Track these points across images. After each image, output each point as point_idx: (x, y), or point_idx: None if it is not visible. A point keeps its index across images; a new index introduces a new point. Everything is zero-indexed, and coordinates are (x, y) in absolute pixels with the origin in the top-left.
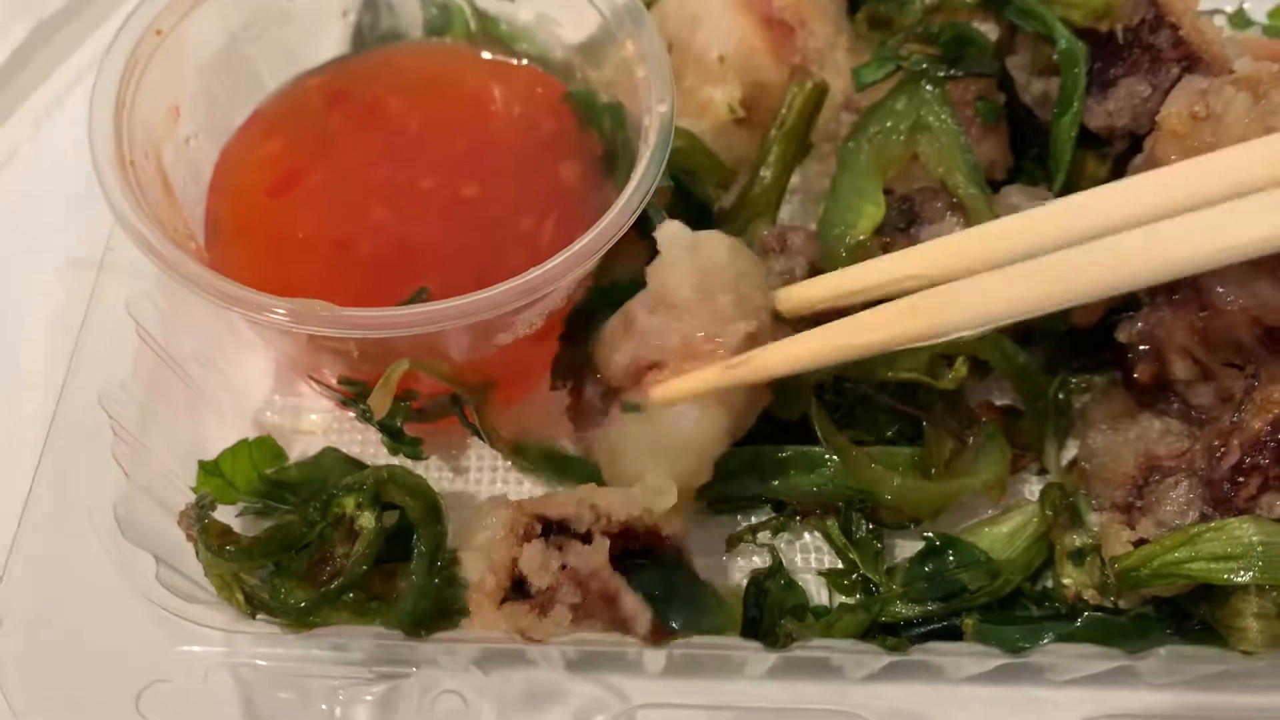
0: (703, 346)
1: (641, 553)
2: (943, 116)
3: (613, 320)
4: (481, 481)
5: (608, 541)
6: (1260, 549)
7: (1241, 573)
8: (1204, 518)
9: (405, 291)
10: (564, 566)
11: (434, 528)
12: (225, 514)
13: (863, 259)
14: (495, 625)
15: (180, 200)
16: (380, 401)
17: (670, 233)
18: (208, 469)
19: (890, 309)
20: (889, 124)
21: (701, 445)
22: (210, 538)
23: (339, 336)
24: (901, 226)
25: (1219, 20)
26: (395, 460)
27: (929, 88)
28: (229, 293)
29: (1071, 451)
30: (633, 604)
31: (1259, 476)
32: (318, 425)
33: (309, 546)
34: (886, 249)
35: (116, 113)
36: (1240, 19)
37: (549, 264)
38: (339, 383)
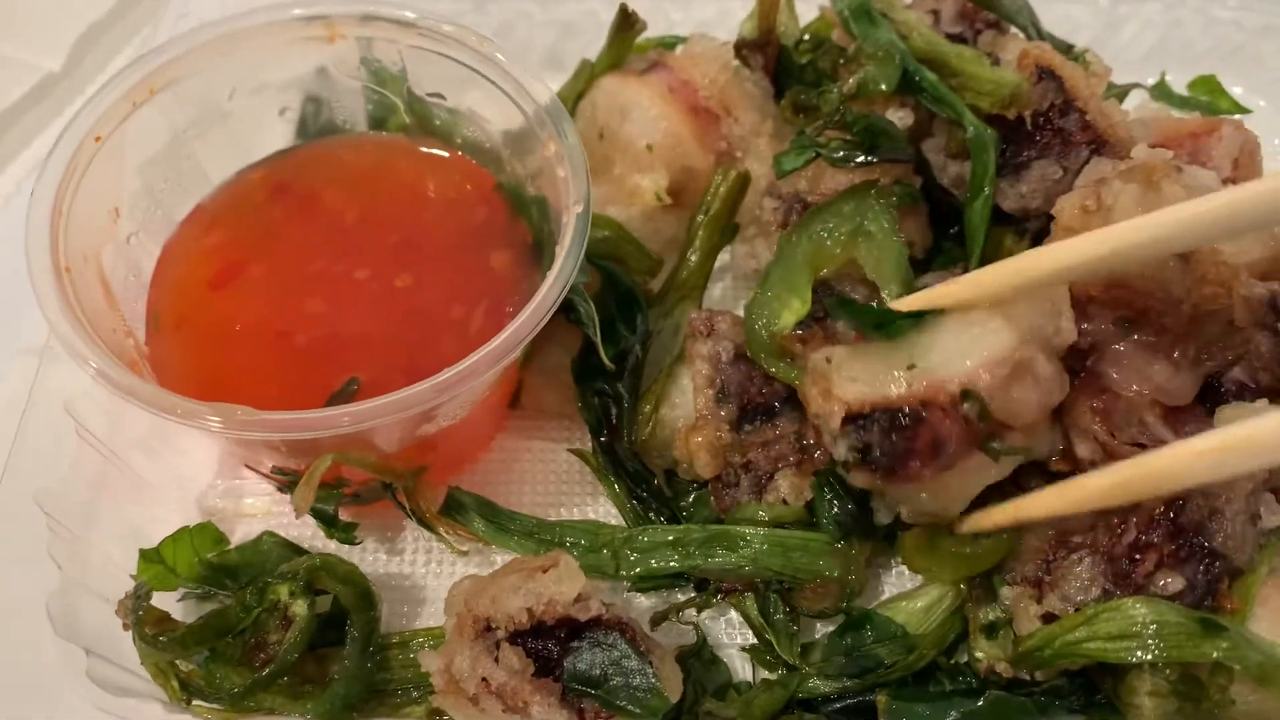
0: None
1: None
2: (885, 225)
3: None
4: (417, 561)
5: (515, 656)
6: (1153, 628)
7: (1136, 652)
8: (1105, 593)
9: (339, 381)
10: (484, 679)
11: (367, 614)
12: (168, 599)
13: (783, 351)
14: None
15: (120, 297)
16: (303, 499)
17: None
18: (148, 557)
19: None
20: (832, 225)
21: None
22: (145, 627)
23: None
24: (820, 316)
25: (1139, 94)
26: (333, 542)
27: (877, 197)
28: (151, 398)
29: None
30: (541, 712)
31: (1154, 554)
32: (259, 508)
33: (244, 633)
34: (804, 343)
35: (53, 222)
36: (1161, 89)
37: (464, 364)
38: (273, 471)
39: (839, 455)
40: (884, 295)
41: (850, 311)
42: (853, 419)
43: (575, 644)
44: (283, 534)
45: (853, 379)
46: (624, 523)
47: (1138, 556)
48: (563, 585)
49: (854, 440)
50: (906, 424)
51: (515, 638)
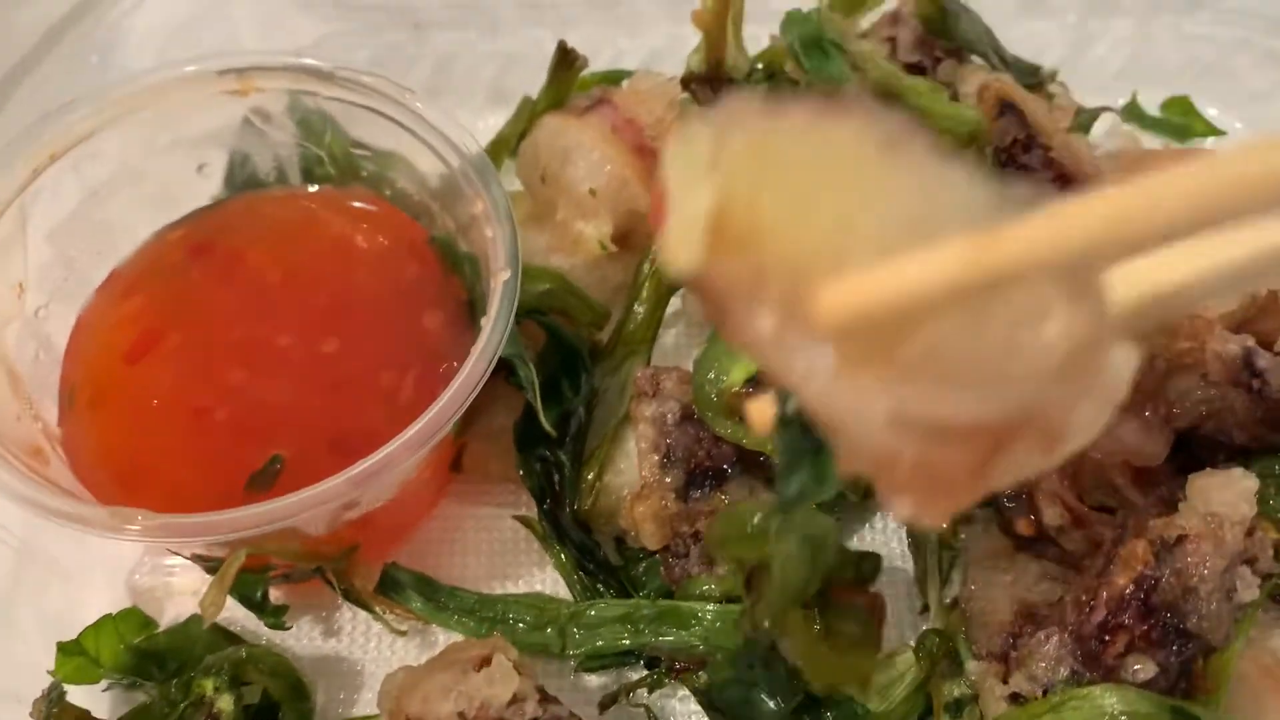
0: None
1: None
2: None
3: None
4: (355, 642)
5: None
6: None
7: None
8: (1074, 674)
9: (263, 457)
10: None
11: (299, 705)
12: (92, 690)
13: (731, 410)
14: None
15: (29, 376)
16: (212, 603)
17: None
18: (67, 650)
19: None
20: None
21: None
22: None
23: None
24: None
25: (1108, 118)
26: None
27: None
28: (41, 503)
29: (955, 587)
30: None
31: (1125, 635)
32: (190, 586)
33: None
34: (751, 399)
35: None
36: (1134, 111)
37: (380, 454)
38: (193, 558)
39: None
40: None
41: None
42: None
43: None
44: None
45: None
46: (571, 594)
47: (1107, 638)
48: (495, 687)
49: None
50: None
51: None
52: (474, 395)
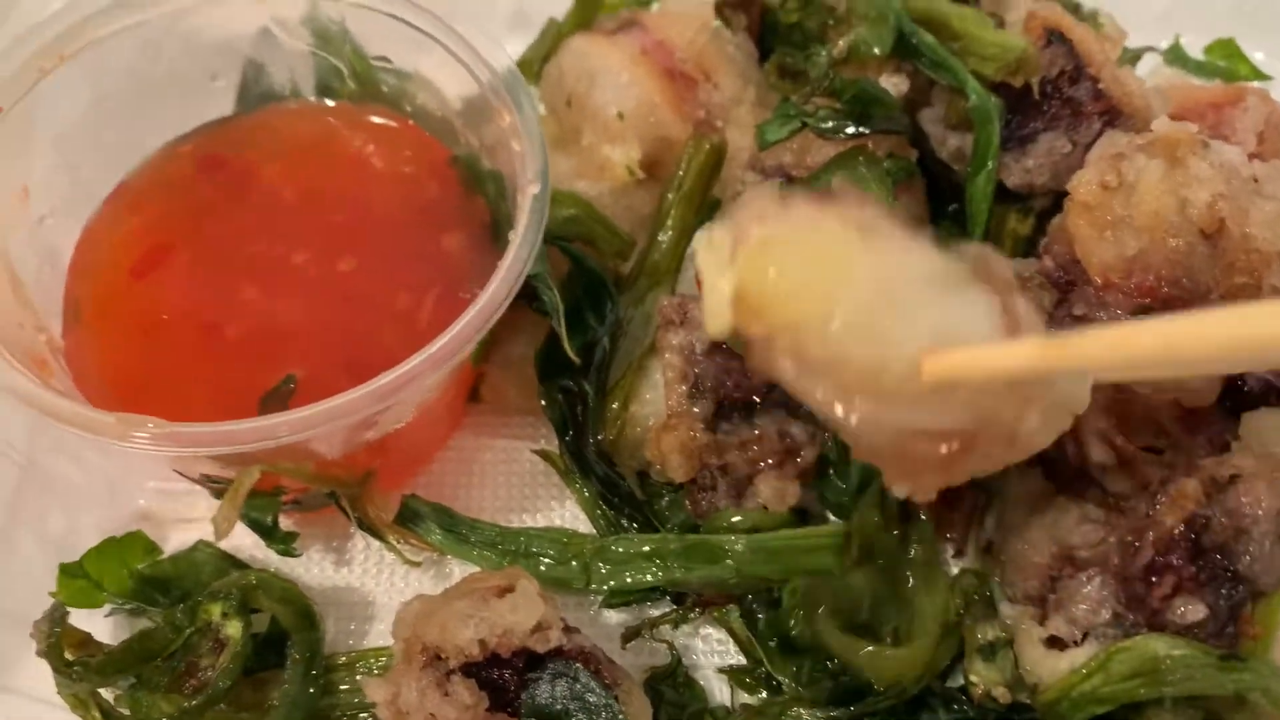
0: None
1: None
2: (877, 193)
3: None
4: (367, 572)
5: (467, 690)
6: (1169, 662)
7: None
8: (1116, 617)
9: (275, 377)
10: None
11: (308, 634)
12: (94, 615)
13: None
14: None
15: (33, 287)
16: (225, 519)
17: None
18: (69, 571)
19: None
20: None
21: None
22: (60, 653)
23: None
24: None
25: (1152, 59)
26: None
27: (866, 164)
28: (45, 406)
29: (990, 530)
30: None
31: (1172, 577)
32: (198, 512)
33: (174, 656)
34: None
35: None
36: (1176, 53)
37: (402, 368)
38: (202, 478)
39: None
40: None
41: None
42: None
43: (534, 675)
44: (222, 542)
45: None
46: (593, 529)
47: (1154, 579)
48: (519, 614)
49: None
50: None
51: (469, 667)
52: (502, 310)
